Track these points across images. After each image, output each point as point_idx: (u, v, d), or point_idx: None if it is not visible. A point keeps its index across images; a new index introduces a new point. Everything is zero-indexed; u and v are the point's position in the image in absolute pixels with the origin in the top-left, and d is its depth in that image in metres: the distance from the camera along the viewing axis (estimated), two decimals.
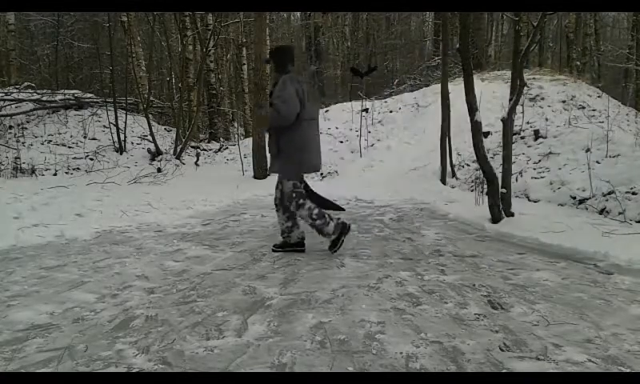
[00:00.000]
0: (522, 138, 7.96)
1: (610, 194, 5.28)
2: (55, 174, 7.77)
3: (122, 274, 3.32)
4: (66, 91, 11.27)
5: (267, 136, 4.09)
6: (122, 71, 13.53)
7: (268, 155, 4.24)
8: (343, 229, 3.78)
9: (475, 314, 2.55)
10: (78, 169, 8.26)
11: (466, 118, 5.60)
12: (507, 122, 5.11)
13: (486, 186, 5.27)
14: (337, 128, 10.63)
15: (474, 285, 3.04)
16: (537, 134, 7.79)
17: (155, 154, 9.59)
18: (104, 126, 9.84)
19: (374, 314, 2.55)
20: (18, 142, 8.40)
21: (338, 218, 3.84)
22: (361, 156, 9.39)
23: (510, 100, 5.25)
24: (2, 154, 7.87)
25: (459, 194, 6.99)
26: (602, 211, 5.23)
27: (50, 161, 8.09)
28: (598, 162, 6.13)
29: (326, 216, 3.80)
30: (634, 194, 5.11)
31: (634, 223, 4.70)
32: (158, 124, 11.84)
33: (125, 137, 9.59)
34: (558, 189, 6.03)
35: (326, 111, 11.76)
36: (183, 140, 10.13)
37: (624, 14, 19.56)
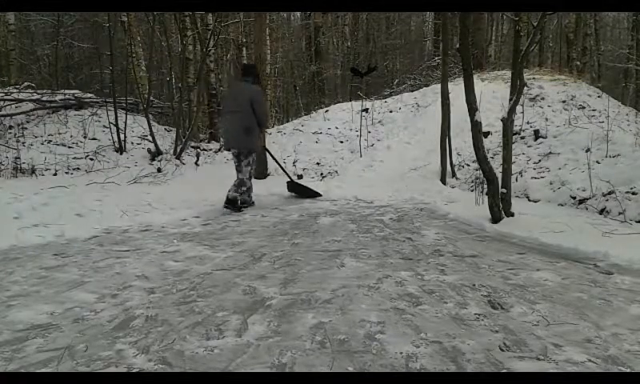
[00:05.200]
0: (522, 137, 7.95)
1: (610, 193, 5.29)
2: (55, 174, 7.75)
3: (122, 273, 3.31)
4: (66, 91, 11.24)
5: None
6: (122, 71, 13.52)
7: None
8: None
9: (475, 314, 2.55)
10: (78, 169, 8.24)
11: (466, 118, 5.60)
12: (507, 122, 5.11)
13: (485, 186, 5.28)
14: (337, 128, 10.61)
15: (473, 285, 3.04)
16: (537, 134, 7.78)
17: (155, 154, 9.58)
18: (104, 126, 9.81)
19: (374, 314, 2.55)
20: (17, 142, 8.38)
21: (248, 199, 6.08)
22: (361, 156, 9.37)
23: (510, 100, 5.25)
24: (2, 154, 7.85)
25: (459, 193, 6.98)
26: (602, 211, 5.23)
27: (50, 161, 8.07)
28: (598, 162, 6.13)
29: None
30: (633, 193, 5.11)
31: (634, 223, 4.70)
32: (158, 124, 11.81)
33: (125, 137, 9.56)
34: (558, 189, 6.03)
35: (326, 111, 11.76)
36: (183, 140, 10.12)
37: (624, 14, 19.55)
